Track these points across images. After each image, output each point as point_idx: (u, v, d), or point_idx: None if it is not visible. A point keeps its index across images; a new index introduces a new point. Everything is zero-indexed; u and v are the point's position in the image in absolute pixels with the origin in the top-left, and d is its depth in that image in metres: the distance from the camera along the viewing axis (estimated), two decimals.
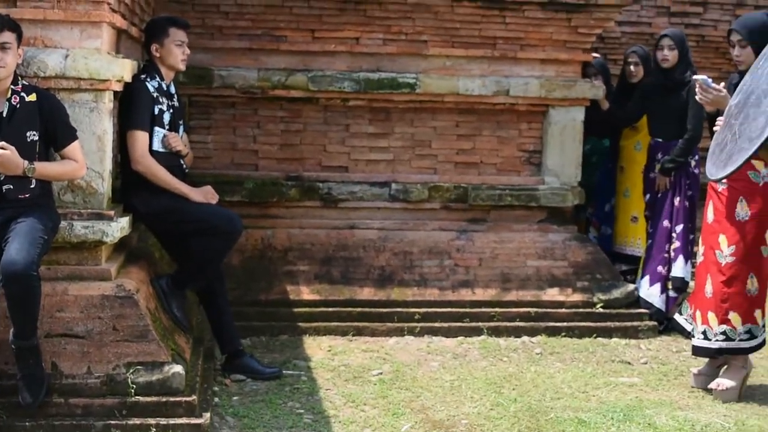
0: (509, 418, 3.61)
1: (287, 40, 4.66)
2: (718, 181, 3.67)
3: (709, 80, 3.74)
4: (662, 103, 4.71)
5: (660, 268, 4.90)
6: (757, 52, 3.55)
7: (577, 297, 4.81)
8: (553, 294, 4.80)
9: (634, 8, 5.96)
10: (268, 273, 4.57)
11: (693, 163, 4.90)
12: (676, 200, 4.79)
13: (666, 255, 4.90)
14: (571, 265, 4.95)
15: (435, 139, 4.98)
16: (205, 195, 3.68)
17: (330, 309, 4.52)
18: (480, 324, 4.60)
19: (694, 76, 3.88)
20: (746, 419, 3.74)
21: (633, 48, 5.16)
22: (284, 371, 3.90)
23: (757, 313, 3.97)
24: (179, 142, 3.81)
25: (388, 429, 3.47)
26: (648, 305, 4.93)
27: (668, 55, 4.72)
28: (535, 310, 4.73)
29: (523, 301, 4.77)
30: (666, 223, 4.85)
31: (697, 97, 3.82)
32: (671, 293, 4.90)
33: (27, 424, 2.79)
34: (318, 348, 4.30)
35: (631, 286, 4.98)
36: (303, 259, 4.71)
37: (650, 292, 4.93)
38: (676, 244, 4.87)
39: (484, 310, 4.66)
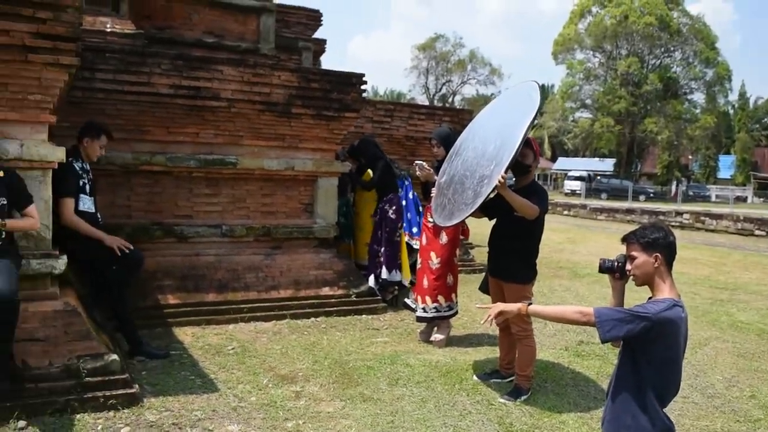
0: (327, 369, 4.48)
1: (150, 133, 5.59)
2: (447, 227, 4.66)
3: (424, 164, 4.93)
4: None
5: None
6: (447, 149, 4.74)
7: (340, 291, 6.20)
8: (326, 290, 6.14)
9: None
10: (144, 288, 5.36)
11: (390, 211, 6.31)
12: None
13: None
14: (335, 273, 6.33)
15: (248, 197, 6.16)
16: (115, 241, 4.26)
17: (188, 309, 5.45)
18: (284, 312, 5.75)
19: (416, 161, 5.01)
20: (456, 356, 5.00)
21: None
22: (170, 352, 4.53)
23: (453, 296, 5.23)
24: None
25: (254, 383, 4.09)
26: (374, 292, 6.28)
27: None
28: (317, 301, 6.00)
29: (309, 296, 6.01)
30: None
31: (417, 173, 4.89)
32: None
33: (8, 404, 3.20)
34: (185, 335, 5.07)
35: (371, 283, 6.34)
36: (167, 277, 5.62)
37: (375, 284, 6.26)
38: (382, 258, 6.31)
39: (286, 303, 5.85)
